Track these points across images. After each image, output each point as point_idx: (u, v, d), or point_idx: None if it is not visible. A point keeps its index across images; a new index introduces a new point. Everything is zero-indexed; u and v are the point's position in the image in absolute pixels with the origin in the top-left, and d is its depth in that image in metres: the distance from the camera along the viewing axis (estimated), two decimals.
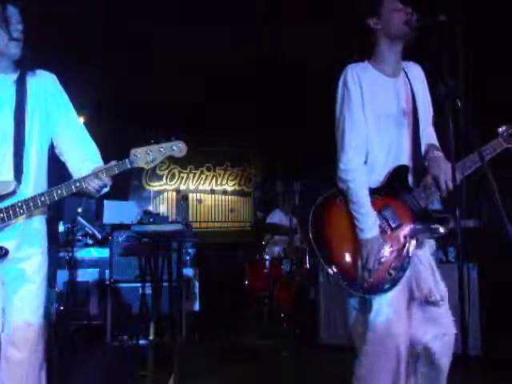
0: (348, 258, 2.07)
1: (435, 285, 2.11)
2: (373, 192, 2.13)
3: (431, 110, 2.34)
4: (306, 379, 3.89)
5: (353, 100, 2.13)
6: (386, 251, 2.07)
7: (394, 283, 2.03)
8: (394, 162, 2.17)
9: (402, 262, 2.06)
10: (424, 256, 2.15)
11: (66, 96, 2.25)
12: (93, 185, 2.03)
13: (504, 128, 2.22)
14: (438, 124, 2.37)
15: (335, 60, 2.27)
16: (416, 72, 2.31)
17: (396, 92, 2.21)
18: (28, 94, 2.11)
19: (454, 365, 2.07)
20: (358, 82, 2.14)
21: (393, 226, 2.10)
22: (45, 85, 2.18)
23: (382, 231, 2.08)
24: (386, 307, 2.02)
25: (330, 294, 4.91)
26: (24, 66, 2.13)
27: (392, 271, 2.04)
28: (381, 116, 2.16)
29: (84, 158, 2.19)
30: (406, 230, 2.10)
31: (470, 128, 1.85)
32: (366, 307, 2.06)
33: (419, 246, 2.13)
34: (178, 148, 2.07)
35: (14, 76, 2.12)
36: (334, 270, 2.04)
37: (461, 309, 1.75)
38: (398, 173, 2.16)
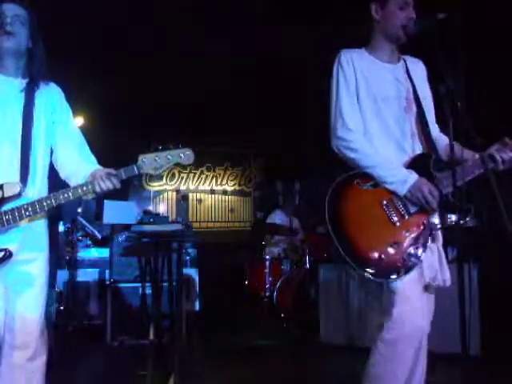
0: (365, 242, 2.00)
1: (441, 270, 2.08)
2: None
3: (433, 107, 2.34)
4: (306, 379, 3.88)
5: (348, 79, 2.18)
6: (403, 236, 2.03)
7: (407, 270, 1.99)
8: (399, 146, 2.17)
9: (418, 250, 2.02)
10: (432, 244, 2.12)
11: (69, 109, 2.29)
12: (103, 185, 2.01)
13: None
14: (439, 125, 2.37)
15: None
16: (417, 67, 2.32)
17: (395, 77, 2.23)
18: (36, 101, 2.15)
19: (454, 365, 2.07)
20: (351, 64, 2.19)
21: (411, 211, 2.07)
22: (52, 95, 2.23)
23: (400, 216, 2.05)
24: (408, 297, 1.99)
25: (329, 294, 4.91)
26: (37, 75, 2.16)
27: (406, 257, 1.99)
28: (377, 99, 2.18)
29: (81, 161, 2.20)
30: (425, 216, 2.06)
31: (471, 128, 1.85)
32: (383, 296, 2.03)
33: (433, 238, 2.10)
34: (186, 156, 2.10)
35: (23, 82, 2.16)
36: (351, 256, 1.98)
37: (461, 309, 1.75)
38: (422, 159, 2.14)
